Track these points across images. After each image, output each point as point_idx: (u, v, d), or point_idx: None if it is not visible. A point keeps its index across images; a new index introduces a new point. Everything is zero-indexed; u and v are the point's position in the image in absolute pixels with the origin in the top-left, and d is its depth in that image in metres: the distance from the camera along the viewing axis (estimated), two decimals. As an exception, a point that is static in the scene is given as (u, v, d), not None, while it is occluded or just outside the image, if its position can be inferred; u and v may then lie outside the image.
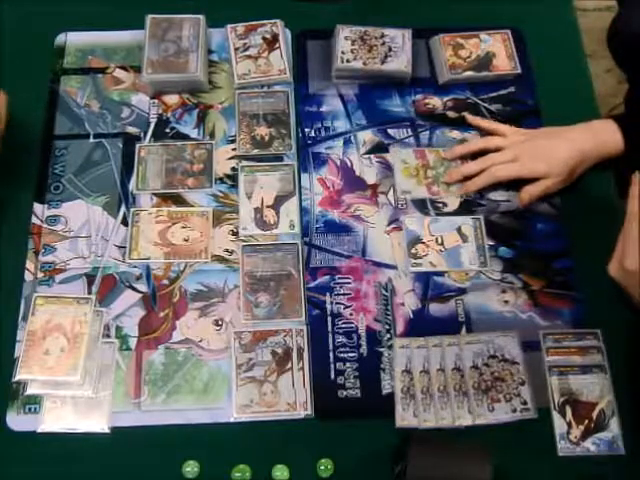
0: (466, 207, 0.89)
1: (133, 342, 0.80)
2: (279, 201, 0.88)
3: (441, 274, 0.85)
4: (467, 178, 0.89)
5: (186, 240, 0.86)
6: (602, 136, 0.85)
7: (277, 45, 0.98)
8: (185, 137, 0.93)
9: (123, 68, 0.98)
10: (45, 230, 0.86)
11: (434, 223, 0.88)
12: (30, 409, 0.76)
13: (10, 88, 0.94)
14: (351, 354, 0.80)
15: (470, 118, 0.94)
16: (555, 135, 0.87)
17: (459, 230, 0.87)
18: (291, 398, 0.77)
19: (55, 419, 0.76)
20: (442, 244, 0.86)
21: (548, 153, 0.86)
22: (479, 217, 0.88)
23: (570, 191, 0.88)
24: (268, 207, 0.88)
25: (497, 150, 0.89)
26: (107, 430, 0.75)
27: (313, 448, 0.75)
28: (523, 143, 0.88)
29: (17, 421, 0.76)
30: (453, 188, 0.90)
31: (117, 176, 0.90)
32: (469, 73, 0.97)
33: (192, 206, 0.88)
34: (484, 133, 0.94)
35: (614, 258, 0.73)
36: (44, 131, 0.92)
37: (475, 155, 0.90)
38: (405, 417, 0.76)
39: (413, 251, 0.86)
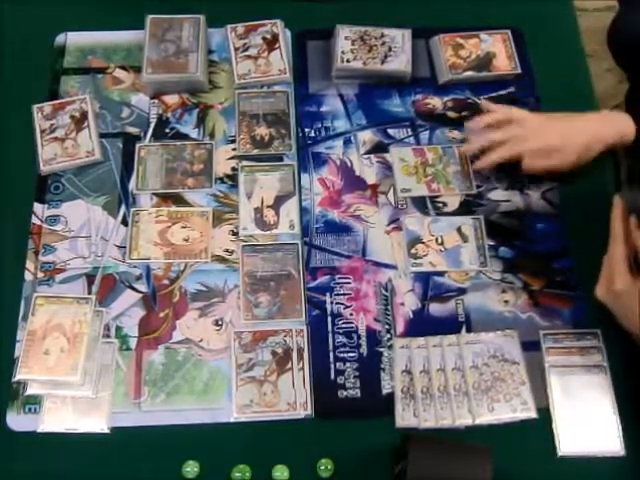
0: (466, 207, 0.89)
1: (133, 342, 0.80)
2: (279, 201, 0.88)
3: (441, 274, 0.85)
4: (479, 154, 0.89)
5: (186, 240, 0.86)
6: (617, 124, 0.85)
7: (277, 45, 0.98)
8: (185, 137, 0.93)
9: (123, 68, 0.98)
10: (45, 230, 0.86)
11: (434, 223, 0.88)
12: (30, 409, 0.76)
13: (10, 88, 0.94)
14: (351, 354, 0.80)
15: (485, 104, 0.92)
16: (570, 116, 0.88)
17: (459, 230, 0.87)
18: (291, 398, 0.77)
19: (55, 419, 0.76)
20: (442, 244, 0.86)
21: (565, 130, 0.86)
22: (479, 217, 0.88)
23: (567, 181, 0.89)
24: (268, 207, 0.88)
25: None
26: (107, 430, 0.75)
27: (313, 448, 0.75)
28: (542, 119, 0.87)
29: (17, 421, 0.76)
30: (453, 185, 0.90)
31: (117, 176, 0.90)
32: (469, 73, 0.97)
33: (192, 206, 0.88)
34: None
35: (601, 281, 0.74)
36: (44, 131, 0.92)
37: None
38: (405, 417, 0.76)
39: (413, 251, 0.86)
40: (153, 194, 0.89)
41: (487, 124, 0.89)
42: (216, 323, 0.81)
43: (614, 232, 0.73)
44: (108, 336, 0.80)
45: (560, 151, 0.85)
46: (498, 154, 0.87)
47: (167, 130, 0.93)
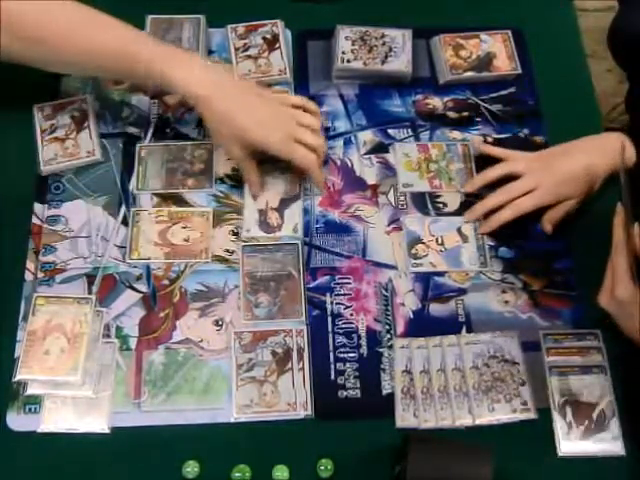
0: (466, 207, 0.89)
1: (133, 342, 0.80)
2: (284, 204, 0.88)
3: (441, 274, 0.85)
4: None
5: (186, 240, 0.86)
6: (615, 150, 0.81)
7: (277, 45, 0.98)
8: (185, 137, 0.93)
9: (123, 68, 0.97)
10: (45, 230, 0.86)
11: (434, 223, 0.88)
12: (30, 409, 0.76)
13: (10, 88, 0.94)
14: (351, 354, 0.80)
15: (481, 146, 0.92)
16: (569, 154, 0.86)
17: (459, 230, 0.87)
18: (291, 398, 0.77)
19: (55, 419, 0.76)
20: (442, 244, 0.86)
21: (567, 175, 0.84)
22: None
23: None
24: (272, 209, 0.88)
25: (516, 177, 0.86)
26: (107, 430, 0.75)
27: (313, 448, 0.75)
28: (541, 168, 0.86)
29: (17, 421, 0.76)
30: (455, 182, 0.90)
31: (117, 176, 0.90)
32: (469, 73, 0.97)
33: (192, 206, 0.88)
34: (486, 135, 0.94)
35: (604, 289, 0.74)
36: (44, 131, 0.92)
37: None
38: (405, 417, 0.76)
39: (413, 251, 0.86)
40: (153, 194, 0.89)
41: (481, 185, 0.88)
42: (216, 323, 0.81)
43: (616, 240, 0.73)
44: (108, 336, 0.80)
45: (570, 199, 0.85)
46: (502, 218, 0.86)
47: (167, 130, 0.93)
